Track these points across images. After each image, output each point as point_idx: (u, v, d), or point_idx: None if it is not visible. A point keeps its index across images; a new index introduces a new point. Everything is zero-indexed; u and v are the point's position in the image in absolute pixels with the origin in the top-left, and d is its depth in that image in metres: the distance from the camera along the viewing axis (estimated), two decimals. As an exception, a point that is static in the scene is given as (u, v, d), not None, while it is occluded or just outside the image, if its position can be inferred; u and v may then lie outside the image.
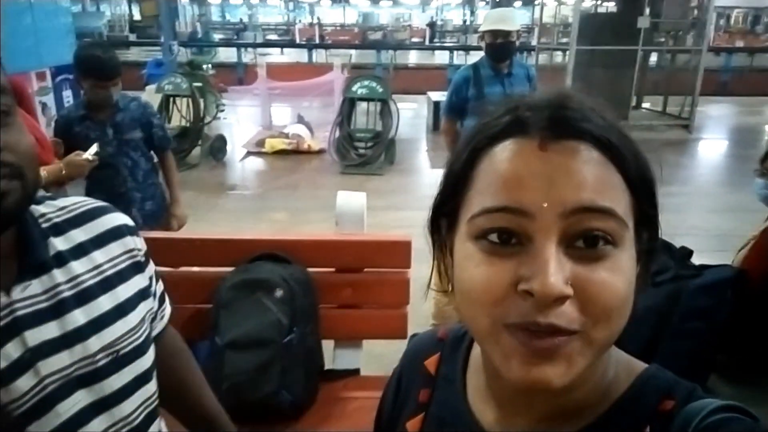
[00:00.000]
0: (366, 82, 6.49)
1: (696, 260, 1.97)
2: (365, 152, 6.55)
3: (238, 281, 1.63)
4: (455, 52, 14.26)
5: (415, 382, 0.64)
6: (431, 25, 24.93)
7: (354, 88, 6.45)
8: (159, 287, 0.92)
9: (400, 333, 1.69)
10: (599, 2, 10.17)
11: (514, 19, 3.14)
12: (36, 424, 0.68)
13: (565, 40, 10.00)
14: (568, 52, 8.51)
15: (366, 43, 17.96)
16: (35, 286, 0.70)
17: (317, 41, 19.66)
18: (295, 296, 1.59)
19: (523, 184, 0.43)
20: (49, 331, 0.69)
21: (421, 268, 1.81)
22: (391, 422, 0.67)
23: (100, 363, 0.73)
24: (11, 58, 5.45)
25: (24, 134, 0.65)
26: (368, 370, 1.77)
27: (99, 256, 0.77)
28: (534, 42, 11.40)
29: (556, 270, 0.41)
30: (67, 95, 7.65)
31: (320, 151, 6.98)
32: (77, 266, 0.74)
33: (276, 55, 18.25)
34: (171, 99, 6.56)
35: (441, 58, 16.14)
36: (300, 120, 7.57)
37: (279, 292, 1.57)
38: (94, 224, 0.79)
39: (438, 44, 20.43)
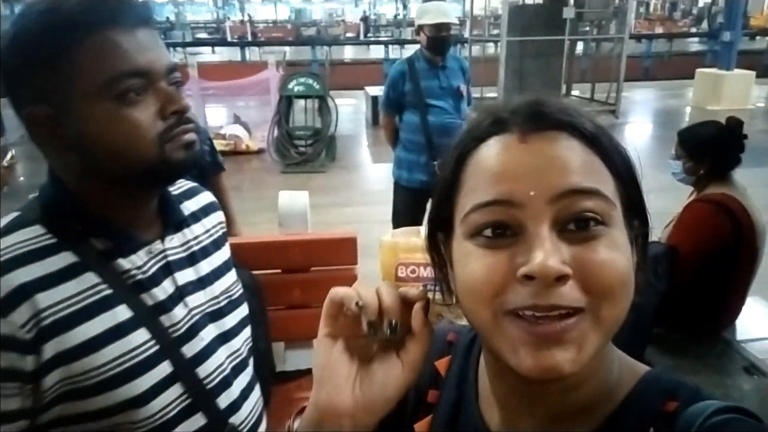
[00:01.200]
0: (302, 79, 6.42)
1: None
2: (306, 150, 6.49)
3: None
4: (390, 47, 14.30)
5: (424, 382, 0.62)
6: (364, 19, 24.92)
7: (290, 86, 6.36)
8: None
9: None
10: (527, -6, 10.45)
11: (452, 11, 3.19)
12: (187, 347, 0.83)
13: (496, 31, 10.22)
14: (499, 44, 8.71)
15: (300, 39, 17.73)
16: (177, 239, 0.88)
17: (249, 39, 19.26)
18: (242, 300, 1.56)
19: (508, 176, 0.44)
20: (189, 274, 0.88)
21: (368, 262, 1.82)
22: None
23: (222, 303, 0.92)
24: None
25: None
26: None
27: (207, 222, 0.96)
28: (466, 34, 11.56)
29: (551, 250, 0.41)
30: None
31: (259, 151, 6.87)
32: (196, 228, 0.93)
33: (207, 54, 17.78)
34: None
35: (376, 52, 16.17)
36: (236, 120, 7.41)
37: (225, 297, 1.54)
38: (197, 198, 0.98)
39: (373, 39, 20.42)
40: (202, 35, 24.47)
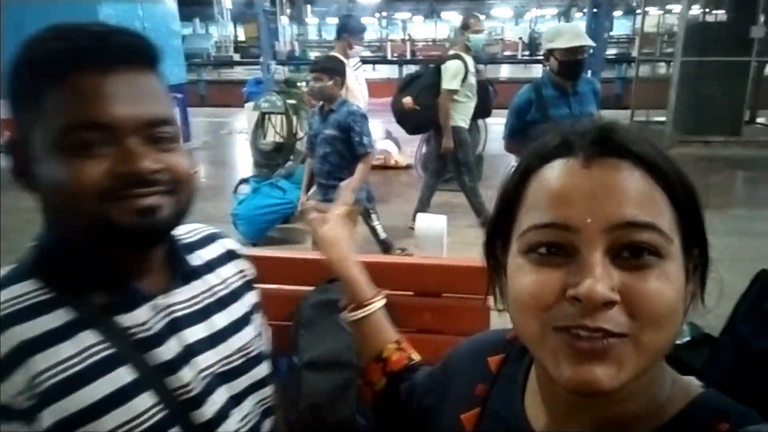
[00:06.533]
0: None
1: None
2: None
3: (318, 301, 1.65)
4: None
5: (474, 375, 0.65)
6: (528, 37, 24.44)
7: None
8: (262, 318, 0.99)
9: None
10: (708, 10, 9.51)
11: (585, 34, 2.97)
12: (197, 413, 0.76)
13: (670, 50, 9.44)
14: (672, 64, 8.02)
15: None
16: (184, 293, 0.81)
17: (408, 57, 19.86)
18: (373, 319, 1.59)
19: (568, 200, 0.46)
20: (199, 331, 0.80)
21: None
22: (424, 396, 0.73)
23: (237, 362, 0.84)
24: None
25: (183, 158, 0.75)
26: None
27: (223, 272, 0.89)
28: (635, 53, 10.83)
29: (601, 276, 0.43)
30: (176, 113, 8.25)
31: (407, 167, 7.01)
32: (211, 279, 0.87)
33: (368, 72, 18.68)
34: (267, 116, 6.86)
35: (537, 71, 15.79)
36: (388, 136, 7.66)
37: (356, 315, 1.58)
38: (214, 246, 0.92)
39: (527, 57, 19.92)
40: (365, 53, 25.74)
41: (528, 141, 2.25)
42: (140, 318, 0.74)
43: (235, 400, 0.82)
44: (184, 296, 0.81)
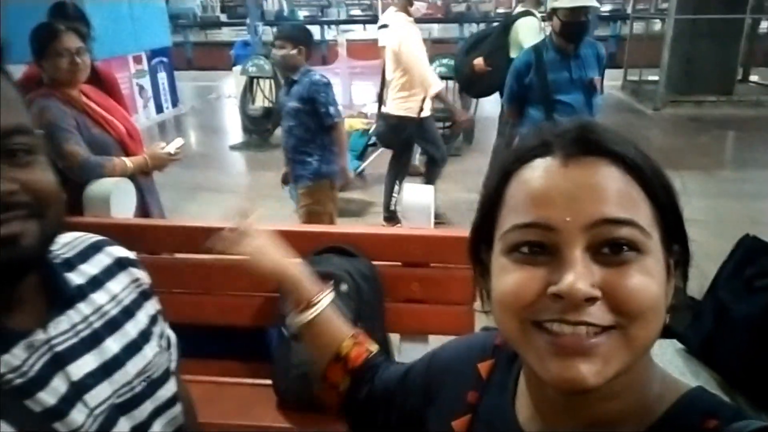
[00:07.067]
0: (444, 60, 6.34)
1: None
2: (443, 132, 6.45)
3: (306, 273, 1.66)
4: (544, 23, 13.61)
5: (463, 381, 0.65)
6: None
7: (432, 66, 6.33)
8: (166, 326, 0.90)
9: (466, 329, 1.66)
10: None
11: None
12: None
13: (665, 5, 9.29)
14: (666, 21, 7.90)
15: (450, 17, 17.46)
16: (66, 321, 0.70)
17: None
18: (361, 291, 1.60)
19: (547, 200, 0.47)
20: (88, 363, 0.70)
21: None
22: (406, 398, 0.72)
23: (137, 389, 0.75)
24: (109, 43, 5.82)
25: (46, 173, 0.65)
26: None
27: (113, 286, 0.78)
28: (629, 9, 10.63)
29: (581, 272, 0.44)
30: (162, 77, 8.10)
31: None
32: (98, 298, 0.75)
33: (359, 32, 18.28)
34: (255, 80, 6.75)
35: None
36: (378, 99, 7.57)
37: (344, 287, 1.59)
38: (99, 257, 0.79)
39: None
40: (356, 12, 25.16)
41: (525, 107, 2.20)
42: (13, 361, 0.63)
43: (140, 429, 0.74)
44: (66, 325, 0.69)
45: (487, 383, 0.63)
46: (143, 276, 0.84)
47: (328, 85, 3.00)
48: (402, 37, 3.72)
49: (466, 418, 0.62)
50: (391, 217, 4.19)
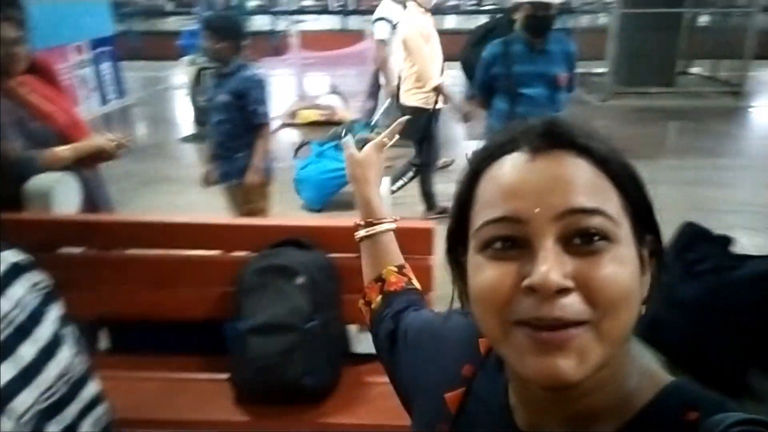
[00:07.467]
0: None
1: (747, 239, 1.88)
2: (399, 123, 6.46)
3: (261, 267, 1.64)
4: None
5: (462, 352, 0.66)
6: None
7: (387, 57, 6.32)
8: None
9: (424, 319, 1.68)
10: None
11: None
12: None
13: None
14: (611, 14, 8.13)
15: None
16: None
17: (350, 8, 19.28)
18: (317, 283, 1.60)
19: (516, 193, 0.47)
20: (6, 372, 0.68)
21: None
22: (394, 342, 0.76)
23: (61, 391, 0.73)
24: (47, 33, 5.55)
25: None
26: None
27: (14, 292, 0.75)
28: (576, 2, 10.90)
29: (553, 264, 0.44)
30: (106, 68, 7.79)
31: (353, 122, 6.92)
32: (1, 306, 0.72)
33: (312, 22, 18.06)
34: (204, 71, 6.57)
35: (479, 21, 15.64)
36: (333, 90, 7.51)
37: (300, 279, 1.58)
38: None
39: (473, 8, 19.68)
40: (307, 2, 24.85)
41: (493, 96, 2.21)
42: None
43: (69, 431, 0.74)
44: None
45: (485, 359, 0.63)
46: (43, 278, 0.81)
47: (261, 82, 2.86)
48: (406, 28, 3.73)
49: (459, 391, 0.63)
50: (431, 207, 4.05)
